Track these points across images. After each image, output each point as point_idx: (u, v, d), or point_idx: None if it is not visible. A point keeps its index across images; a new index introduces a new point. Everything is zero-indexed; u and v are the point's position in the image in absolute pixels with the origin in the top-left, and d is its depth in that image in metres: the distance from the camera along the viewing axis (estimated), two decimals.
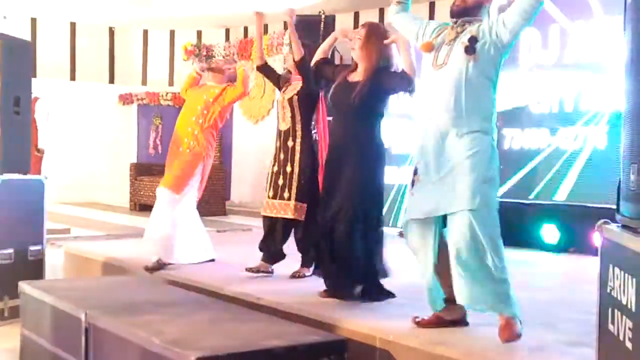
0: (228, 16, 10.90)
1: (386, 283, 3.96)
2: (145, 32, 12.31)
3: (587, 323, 2.97)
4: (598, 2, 5.91)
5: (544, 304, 3.97)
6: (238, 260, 5.30)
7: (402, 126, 7.17)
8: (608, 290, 2.25)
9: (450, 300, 3.27)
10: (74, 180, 11.17)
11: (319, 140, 4.64)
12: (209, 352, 2.77)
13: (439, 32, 3.35)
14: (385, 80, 3.81)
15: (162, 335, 3.00)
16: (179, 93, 11.52)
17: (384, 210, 4.20)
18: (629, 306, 2.02)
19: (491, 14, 3.33)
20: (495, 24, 3.17)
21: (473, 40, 3.17)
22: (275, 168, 4.66)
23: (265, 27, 11.21)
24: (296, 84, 4.68)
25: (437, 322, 3.29)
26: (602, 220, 2.38)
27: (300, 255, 4.70)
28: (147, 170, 10.38)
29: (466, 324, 3.33)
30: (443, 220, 3.20)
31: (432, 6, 9.25)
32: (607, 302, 2.26)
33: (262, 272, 4.65)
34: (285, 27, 9.98)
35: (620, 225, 2.28)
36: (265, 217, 4.69)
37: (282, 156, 4.63)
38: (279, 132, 4.70)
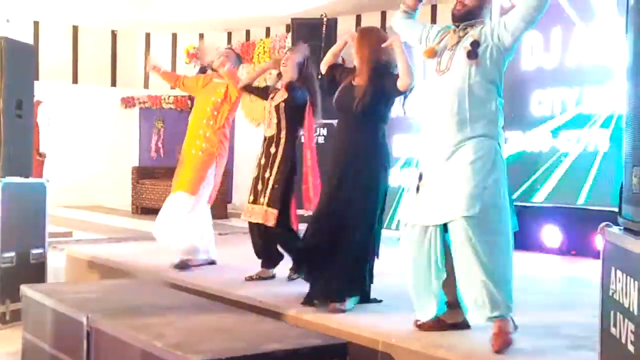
0: (230, 19, 10.91)
1: (385, 285, 3.95)
2: (148, 35, 12.33)
3: (589, 326, 2.97)
4: (600, 5, 5.90)
5: (546, 307, 3.96)
6: (239, 263, 5.30)
7: (402, 129, 7.16)
8: (610, 293, 2.24)
9: (451, 303, 3.26)
10: (76, 183, 11.18)
11: (305, 147, 4.63)
12: (210, 355, 2.77)
13: (442, 37, 3.34)
14: (386, 83, 3.80)
15: (164, 339, 3.00)
16: (181, 96, 11.63)
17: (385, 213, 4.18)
18: (631, 309, 2.02)
19: (493, 16, 3.32)
20: (497, 27, 3.16)
21: (475, 44, 3.16)
22: (256, 173, 4.68)
23: (267, 29, 11.24)
24: (285, 90, 4.66)
25: (438, 325, 3.28)
26: (604, 223, 2.37)
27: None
28: (149, 174, 10.39)
29: (468, 327, 3.32)
30: (444, 225, 3.18)
31: (434, 9, 9.25)
32: (609, 305, 2.26)
33: (263, 278, 4.65)
34: (287, 30, 10.00)
35: (622, 228, 2.28)
36: (250, 223, 4.70)
37: (263, 161, 4.65)
38: (264, 138, 4.72)
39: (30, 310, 4.19)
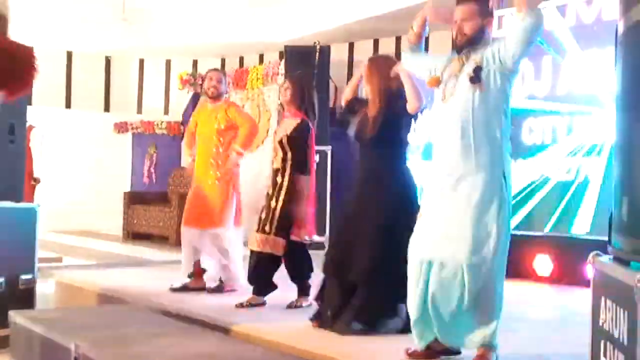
0: (223, 46, 10.97)
1: None
2: (142, 61, 12.37)
3: (579, 356, 2.96)
4: (591, 36, 5.97)
5: (536, 336, 3.95)
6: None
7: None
8: (600, 323, 2.24)
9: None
10: (67, 208, 11.12)
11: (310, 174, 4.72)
12: None
13: (446, 66, 3.33)
14: (396, 108, 3.83)
15: None
16: (174, 122, 11.65)
17: None
18: (621, 339, 2.02)
19: (494, 39, 3.30)
20: (497, 50, 3.15)
21: (478, 69, 3.15)
22: (264, 202, 4.74)
23: (261, 56, 11.30)
24: (288, 123, 4.71)
25: (429, 354, 3.26)
26: (594, 252, 2.38)
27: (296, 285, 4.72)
28: (140, 199, 10.36)
29: (458, 352, 3.31)
30: None
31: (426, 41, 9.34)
32: (599, 335, 2.25)
33: (253, 305, 4.64)
34: (281, 57, 10.06)
35: (612, 257, 2.28)
36: (251, 251, 4.71)
37: (270, 191, 4.72)
38: (272, 169, 4.80)
39: (18, 336, 4.15)
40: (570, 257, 5.90)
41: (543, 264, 6.16)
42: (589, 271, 2.41)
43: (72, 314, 4.62)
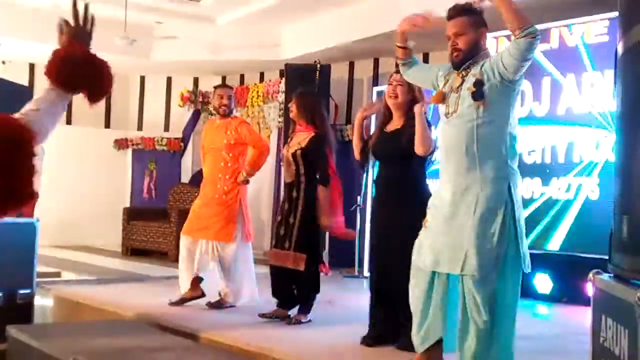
0: (224, 63, 11.02)
1: None
2: (142, 78, 12.42)
3: None
4: (589, 56, 6.01)
5: (537, 354, 3.94)
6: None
7: None
8: (600, 341, 2.24)
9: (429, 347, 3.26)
10: (67, 223, 11.11)
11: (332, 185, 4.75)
12: None
13: (447, 79, 3.31)
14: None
15: None
16: (174, 139, 11.67)
17: None
18: (621, 357, 2.02)
19: (491, 51, 3.29)
20: (496, 64, 3.10)
21: (479, 84, 3.09)
22: (279, 217, 4.77)
23: (262, 74, 11.35)
24: (300, 137, 4.73)
25: None
26: (594, 271, 2.38)
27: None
28: (140, 215, 10.35)
29: None
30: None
31: (425, 57, 9.38)
32: (600, 353, 2.25)
33: (277, 317, 4.67)
34: (281, 75, 10.11)
35: (612, 275, 2.29)
36: (271, 266, 4.73)
37: (286, 206, 4.74)
38: (285, 184, 4.84)
39: (15, 351, 4.13)
40: (570, 275, 5.89)
41: (543, 282, 6.15)
42: (590, 289, 2.41)
43: (71, 329, 4.60)
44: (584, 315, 4.89)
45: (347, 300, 5.96)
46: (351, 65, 10.19)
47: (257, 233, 9.36)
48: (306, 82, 8.63)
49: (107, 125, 12.23)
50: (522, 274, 3.19)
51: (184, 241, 5.36)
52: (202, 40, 10.42)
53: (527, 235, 6.14)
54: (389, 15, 8.27)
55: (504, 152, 3.14)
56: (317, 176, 4.67)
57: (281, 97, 9.85)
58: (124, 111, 12.33)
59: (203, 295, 5.31)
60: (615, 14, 2.57)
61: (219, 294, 5.29)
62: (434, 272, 3.17)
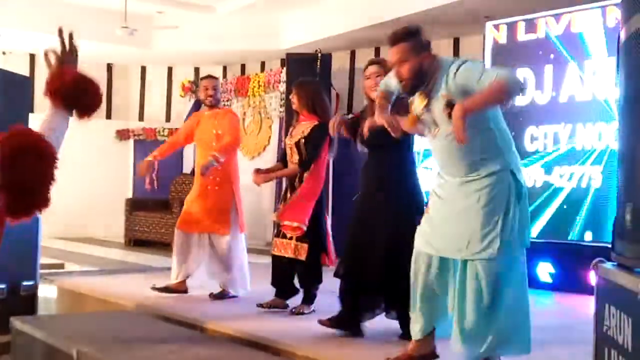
0: (225, 53, 11.00)
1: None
2: (143, 69, 12.40)
3: None
4: (592, 43, 5.98)
5: (539, 343, 3.94)
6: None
7: None
8: (604, 330, 2.24)
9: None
10: (69, 215, 11.12)
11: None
12: None
13: (410, 101, 3.23)
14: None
15: None
16: (176, 129, 11.64)
17: None
18: (625, 346, 2.01)
19: (445, 68, 3.08)
20: (468, 83, 2.98)
21: (450, 105, 2.98)
22: (282, 206, 4.71)
23: (263, 64, 11.33)
24: (304, 126, 4.70)
25: None
26: (597, 259, 2.38)
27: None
28: (142, 206, 10.36)
29: (436, 356, 3.31)
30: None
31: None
32: (603, 342, 2.25)
33: (275, 307, 4.67)
34: (282, 64, 10.09)
35: (615, 263, 2.28)
36: (273, 255, 4.72)
37: (288, 195, 4.71)
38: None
39: (19, 342, 4.14)
40: (572, 264, 5.89)
41: (545, 270, 6.15)
42: (593, 278, 2.40)
43: (74, 320, 4.62)
44: (587, 304, 4.90)
45: None
46: (352, 54, 10.17)
47: (258, 224, 9.35)
48: (307, 71, 8.61)
49: (109, 116, 12.22)
50: (525, 258, 3.20)
51: (179, 235, 5.33)
52: (203, 30, 10.39)
53: (530, 224, 6.22)
54: (390, 3, 8.27)
55: (500, 146, 3.15)
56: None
57: (282, 86, 9.83)
58: (125, 102, 12.32)
59: (186, 292, 5.30)
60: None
61: (220, 286, 5.28)
62: (434, 258, 3.17)
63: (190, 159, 11.45)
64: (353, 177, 4.44)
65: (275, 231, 4.76)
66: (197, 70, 12.09)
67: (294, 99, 4.77)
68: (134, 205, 10.39)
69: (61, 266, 7.52)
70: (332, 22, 9.23)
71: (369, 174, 4.01)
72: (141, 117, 12.27)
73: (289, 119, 6.70)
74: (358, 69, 10.06)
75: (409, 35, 3.13)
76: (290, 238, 4.60)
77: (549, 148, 6.25)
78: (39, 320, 4.50)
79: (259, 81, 10.61)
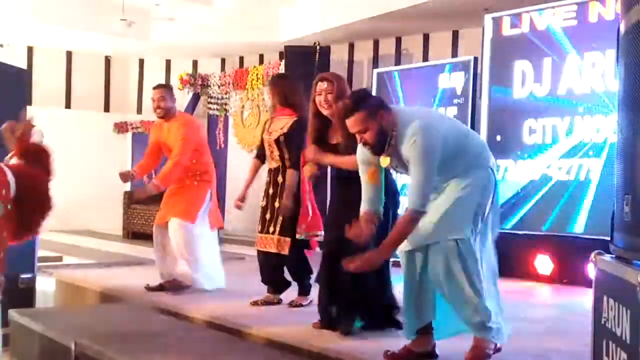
0: (223, 46, 10.98)
1: None
2: (142, 61, 12.37)
3: (581, 355, 2.96)
4: (590, 36, 5.97)
5: (538, 336, 3.95)
6: (230, 289, 5.28)
7: None
8: (602, 322, 2.24)
9: (421, 331, 3.28)
10: (67, 207, 11.10)
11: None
12: None
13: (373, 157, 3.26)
14: None
15: None
16: None
17: None
18: (623, 338, 2.01)
19: (404, 125, 3.11)
20: (407, 157, 3.09)
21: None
22: (264, 203, 4.72)
23: (261, 56, 11.31)
24: (282, 121, 4.65)
25: (407, 355, 3.27)
26: (596, 252, 2.38)
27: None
28: (145, 197, 10.33)
29: (435, 356, 3.32)
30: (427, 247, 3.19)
31: (425, 37, 9.33)
32: (602, 334, 2.25)
33: (268, 303, 4.66)
34: (281, 57, 10.07)
35: (614, 256, 2.28)
36: (258, 251, 4.71)
37: (271, 191, 4.68)
38: (269, 170, 4.74)
39: (18, 335, 4.15)
40: (571, 256, 5.89)
41: (543, 263, 6.16)
42: (591, 270, 2.40)
43: (72, 312, 4.62)
44: (585, 297, 4.91)
45: None
46: (351, 47, 10.15)
47: (254, 219, 9.35)
48: (306, 64, 8.61)
49: (107, 109, 12.21)
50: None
51: (155, 231, 5.27)
52: (201, 22, 10.37)
53: (528, 217, 6.23)
54: None
55: (470, 159, 3.18)
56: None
57: None
58: (123, 95, 12.30)
59: (181, 286, 5.26)
60: None
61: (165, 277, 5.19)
62: (414, 253, 3.18)
63: None
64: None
65: (260, 227, 4.69)
66: (195, 63, 12.07)
67: (269, 94, 4.75)
68: (132, 198, 10.39)
69: (59, 259, 7.52)
70: (331, 15, 9.21)
71: (344, 185, 3.89)
72: (139, 110, 12.25)
73: None
74: (357, 61, 10.04)
75: (360, 105, 3.13)
76: (273, 233, 4.58)
77: (548, 141, 6.24)
78: (37, 312, 4.50)
79: (257, 74, 10.59)
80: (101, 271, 6.48)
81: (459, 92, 7.04)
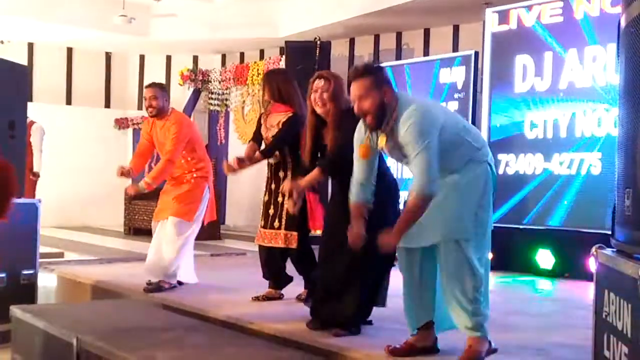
0: (224, 41, 10.97)
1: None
2: (142, 57, 12.36)
3: (582, 349, 2.96)
4: (591, 30, 5.96)
5: (538, 329, 3.95)
6: (231, 285, 5.29)
7: None
8: (603, 316, 2.24)
9: (422, 327, 3.28)
10: (68, 203, 11.13)
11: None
12: None
13: (368, 136, 3.25)
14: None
15: None
16: None
17: None
18: (624, 331, 2.02)
19: (403, 108, 3.10)
20: (403, 142, 3.07)
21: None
22: (266, 198, 4.69)
23: (262, 52, 11.30)
24: (278, 117, 4.62)
25: (408, 350, 3.27)
26: (597, 245, 2.38)
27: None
28: (141, 195, 10.33)
29: (437, 351, 3.32)
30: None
31: (426, 32, 9.32)
32: (603, 328, 2.25)
33: (269, 298, 4.66)
34: (281, 53, 10.06)
35: (615, 250, 2.28)
36: (260, 247, 4.69)
37: (273, 186, 4.66)
38: (269, 165, 4.71)
39: (19, 331, 4.15)
40: (572, 250, 5.90)
41: (545, 257, 6.16)
42: (592, 264, 2.41)
43: (74, 308, 4.63)
44: (586, 291, 4.91)
45: None
46: (352, 42, 10.14)
47: (255, 215, 9.35)
48: (306, 59, 8.59)
49: (107, 105, 12.21)
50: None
51: (153, 227, 5.29)
52: (201, 18, 10.36)
53: (529, 212, 6.23)
54: None
55: (466, 152, 3.16)
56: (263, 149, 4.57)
57: None
58: (124, 91, 12.30)
59: (179, 283, 5.26)
60: None
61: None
62: (413, 251, 3.18)
63: None
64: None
65: (262, 222, 4.66)
66: (195, 58, 12.06)
67: (263, 90, 4.72)
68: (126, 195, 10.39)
69: (61, 255, 7.51)
70: (331, 10, 9.20)
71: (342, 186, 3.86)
72: (140, 106, 12.24)
73: None
74: (358, 56, 10.03)
75: (369, 72, 3.17)
76: (279, 227, 4.57)
77: (549, 135, 6.24)
78: (39, 308, 4.51)
79: (258, 69, 10.59)
80: (102, 267, 6.48)
81: (459, 87, 7.04)
